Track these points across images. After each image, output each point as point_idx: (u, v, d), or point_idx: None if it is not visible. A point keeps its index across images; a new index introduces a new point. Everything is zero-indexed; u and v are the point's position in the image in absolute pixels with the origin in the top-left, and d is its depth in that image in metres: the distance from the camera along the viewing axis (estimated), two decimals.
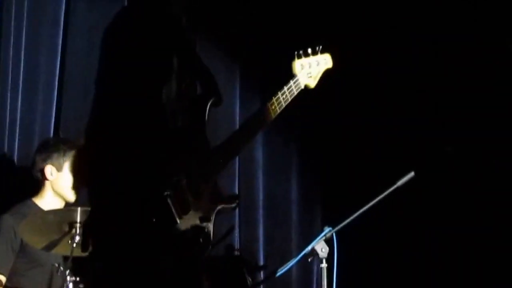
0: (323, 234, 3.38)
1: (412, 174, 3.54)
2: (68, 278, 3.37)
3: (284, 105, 3.07)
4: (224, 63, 4.58)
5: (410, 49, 4.50)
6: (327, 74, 3.38)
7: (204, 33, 3.89)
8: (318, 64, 3.34)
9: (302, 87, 3.23)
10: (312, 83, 3.32)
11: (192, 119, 2.68)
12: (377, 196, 3.53)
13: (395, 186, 3.53)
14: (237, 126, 4.34)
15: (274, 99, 3.04)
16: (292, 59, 3.27)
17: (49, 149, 3.69)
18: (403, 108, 4.55)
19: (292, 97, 3.13)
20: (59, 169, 3.68)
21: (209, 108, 2.71)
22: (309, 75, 3.29)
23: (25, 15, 3.98)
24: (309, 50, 3.31)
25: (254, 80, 4.71)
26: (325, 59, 3.38)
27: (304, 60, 3.30)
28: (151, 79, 2.54)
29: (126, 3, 4.10)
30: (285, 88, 3.11)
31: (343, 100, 4.67)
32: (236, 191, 4.51)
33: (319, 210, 4.88)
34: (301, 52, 3.29)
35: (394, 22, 4.53)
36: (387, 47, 4.57)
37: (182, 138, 2.64)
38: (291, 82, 3.16)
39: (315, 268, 4.61)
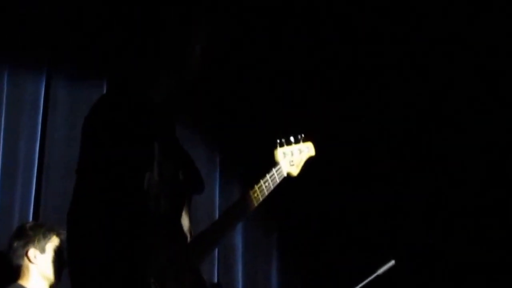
0: None
1: (392, 262, 3.55)
2: None
3: (266, 193, 3.07)
4: (204, 152, 4.60)
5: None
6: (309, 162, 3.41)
7: (183, 121, 3.93)
8: (300, 152, 3.37)
9: (285, 175, 3.24)
10: (295, 171, 3.34)
11: (175, 206, 2.67)
12: (357, 284, 3.54)
13: (375, 275, 3.54)
14: (217, 214, 4.35)
15: (256, 187, 3.04)
16: (275, 147, 3.30)
17: (29, 233, 3.67)
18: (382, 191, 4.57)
19: (275, 185, 3.13)
20: (42, 251, 3.65)
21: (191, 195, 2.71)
22: (292, 163, 3.32)
23: (4, 99, 4.00)
24: (292, 139, 3.35)
25: (234, 169, 4.72)
26: (307, 147, 3.42)
27: (286, 148, 3.33)
28: (133, 166, 2.53)
29: (105, 89, 4.16)
30: (268, 176, 3.12)
31: (323, 188, 4.69)
32: (216, 279, 4.48)
33: None
34: (283, 140, 3.32)
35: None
36: (364, 138, 4.62)
37: (164, 226, 2.62)
38: (274, 170, 3.17)
39: None
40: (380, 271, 3.52)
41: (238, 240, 4.66)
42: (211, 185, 4.58)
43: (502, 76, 4.30)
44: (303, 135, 3.40)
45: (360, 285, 3.52)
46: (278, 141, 3.32)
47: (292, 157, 3.32)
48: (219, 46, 4.18)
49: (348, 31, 4.56)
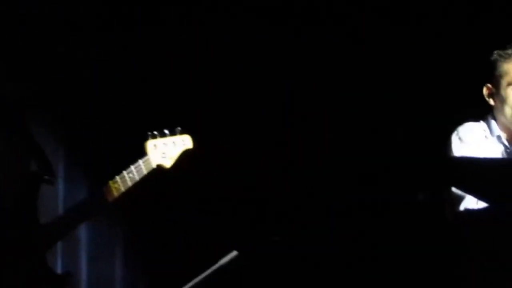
0: None
1: (235, 253, 3.62)
2: None
3: (130, 183, 3.10)
4: (49, 144, 4.53)
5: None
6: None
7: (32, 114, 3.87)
8: (175, 145, 3.39)
9: (154, 166, 3.25)
10: (167, 163, 3.36)
11: (23, 198, 2.66)
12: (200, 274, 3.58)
13: (217, 265, 3.61)
14: (60, 207, 4.31)
15: (118, 178, 3.07)
16: (146, 139, 3.30)
17: None
18: None
19: (141, 176, 3.14)
20: None
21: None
22: (164, 155, 3.33)
23: None
24: (166, 131, 3.36)
25: (79, 162, 4.68)
26: (183, 140, 3.44)
27: (158, 140, 3.35)
28: None
29: None
30: (132, 167, 3.15)
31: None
32: (59, 271, 4.44)
33: None
34: (156, 132, 3.33)
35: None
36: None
37: (12, 217, 2.61)
38: (140, 162, 3.20)
39: None
40: (223, 261, 3.59)
41: (82, 232, 4.64)
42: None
43: None
44: (179, 128, 3.42)
45: (202, 275, 3.57)
46: (150, 133, 3.34)
47: (165, 149, 3.34)
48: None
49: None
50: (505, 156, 3.30)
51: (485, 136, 3.35)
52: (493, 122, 3.35)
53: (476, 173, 2.57)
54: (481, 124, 3.38)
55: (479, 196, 2.76)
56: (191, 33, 4.56)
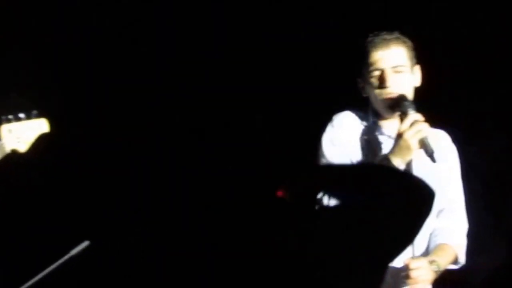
0: None
1: (86, 243, 3.55)
2: None
3: None
4: None
5: None
6: None
7: None
8: (30, 129, 3.31)
9: (8, 151, 3.22)
10: (22, 148, 3.29)
11: None
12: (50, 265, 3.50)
13: (68, 255, 3.53)
14: None
15: None
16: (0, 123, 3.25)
17: None
18: None
19: None
20: None
21: None
22: (18, 140, 3.26)
23: None
24: (22, 115, 3.28)
25: None
26: (39, 124, 3.34)
27: (13, 124, 3.27)
28: None
29: None
30: None
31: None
32: None
33: None
34: (10, 116, 3.25)
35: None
36: None
37: None
38: None
39: None
40: (73, 252, 3.52)
41: None
42: None
43: None
44: (36, 111, 3.35)
45: (53, 266, 3.49)
46: (4, 117, 3.27)
47: (20, 133, 3.28)
48: None
49: None
50: (380, 141, 3.31)
51: (359, 123, 3.34)
52: (370, 110, 3.34)
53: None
54: (358, 112, 3.37)
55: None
56: None
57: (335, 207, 2.45)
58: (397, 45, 3.26)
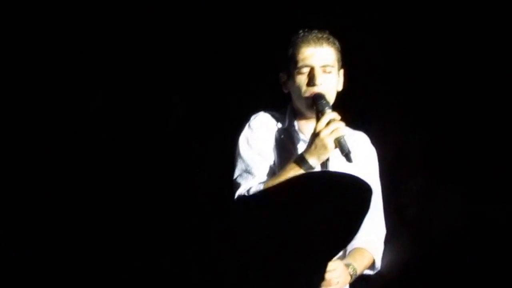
0: None
1: None
2: None
3: None
4: None
5: None
6: None
7: None
8: None
9: None
10: None
11: None
12: None
13: None
14: None
15: None
16: None
17: None
18: None
19: None
20: None
21: None
22: None
23: None
24: None
25: None
26: None
27: None
28: None
29: None
30: None
31: None
32: None
33: None
34: None
35: None
36: None
37: None
38: None
39: None
40: None
41: None
42: None
43: None
44: None
45: None
46: None
47: None
48: None
49: None
50: (296, 142, 3.28)
51: (276, 125, 3.30)
52: (288, 111, 3.30)
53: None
54: (275, 114, 3.32)
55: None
56: None
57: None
58: (329, 44, 3.22)
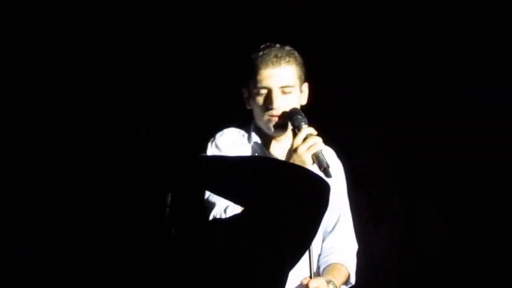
0: None
1: None
2: None
3: None
4: None
5: None
6: None
7: None
8: None
9: None
10: None
11: None
12: None
13: None
14: None
15: None
16: None
17: None
18: None
19: None
20: None
21: None
22: None
23: None
24: None
25: None
26: None
27: None
28: None
29: None
30: None
31: None
32: None
33: None
34: None
35: None
36: None
37: None
38: None
39: None
40: None
41: None
42: None
43: None
44: None
45: None
46: None
47: None
48: None
49: None
50: None
51: (242, 143, 3.21)
52: (252, 128, 3.22)
53: (220, 172, 2.42)
54: (241, 131, 3.24)
55: (224, 195, 2.65)
56: None
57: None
58: (288, 63, 3.10)
